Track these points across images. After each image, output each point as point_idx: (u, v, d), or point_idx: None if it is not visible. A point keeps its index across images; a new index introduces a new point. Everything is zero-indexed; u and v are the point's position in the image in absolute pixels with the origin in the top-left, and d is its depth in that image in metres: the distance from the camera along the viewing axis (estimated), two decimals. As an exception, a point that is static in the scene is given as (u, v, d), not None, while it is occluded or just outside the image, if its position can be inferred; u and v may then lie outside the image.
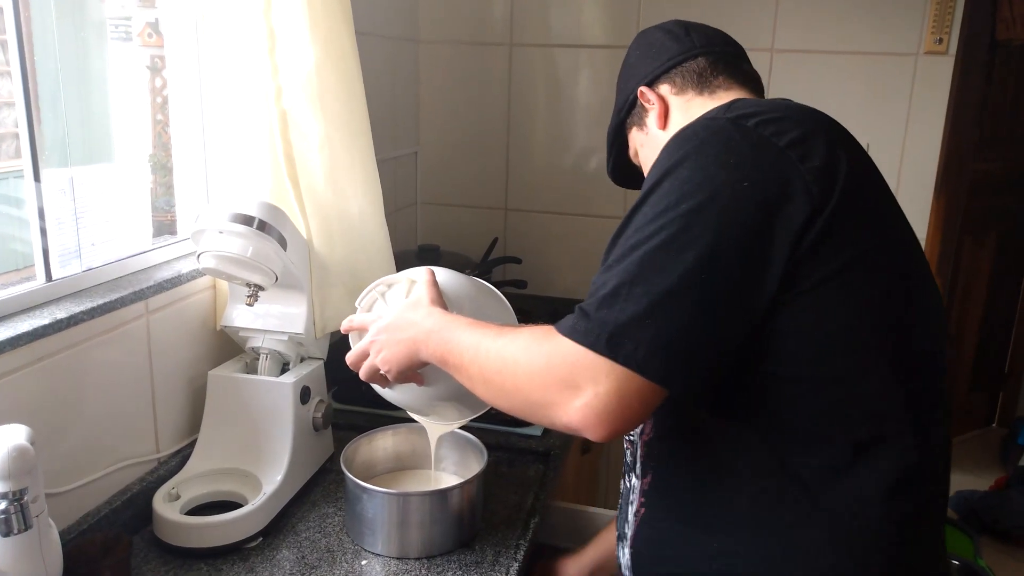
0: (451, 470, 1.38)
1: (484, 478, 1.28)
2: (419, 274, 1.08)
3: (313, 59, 1.34)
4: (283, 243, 1.26)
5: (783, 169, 0.80)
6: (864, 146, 0.92)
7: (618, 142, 1.18)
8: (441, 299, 1.04)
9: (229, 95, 1.38)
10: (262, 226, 1.23)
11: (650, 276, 0.77)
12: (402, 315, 1.01)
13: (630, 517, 1.02)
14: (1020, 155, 3.35)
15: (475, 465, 1.30)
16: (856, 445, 0.84)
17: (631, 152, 1.17)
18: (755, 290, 0.79)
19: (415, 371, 1.03)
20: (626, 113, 1.13)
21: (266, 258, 1.24)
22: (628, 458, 1.06)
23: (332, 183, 1.42)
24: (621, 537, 1.05)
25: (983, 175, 3.09)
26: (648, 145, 1.10)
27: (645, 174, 1.11)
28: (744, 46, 2.09)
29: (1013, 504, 2.95)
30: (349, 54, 1.42)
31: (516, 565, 1.18)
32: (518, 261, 2.18)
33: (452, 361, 0.93)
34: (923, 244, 2.04)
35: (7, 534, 0.85)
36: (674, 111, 1.06)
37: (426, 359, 0.98)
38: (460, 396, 1.08)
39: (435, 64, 2.31)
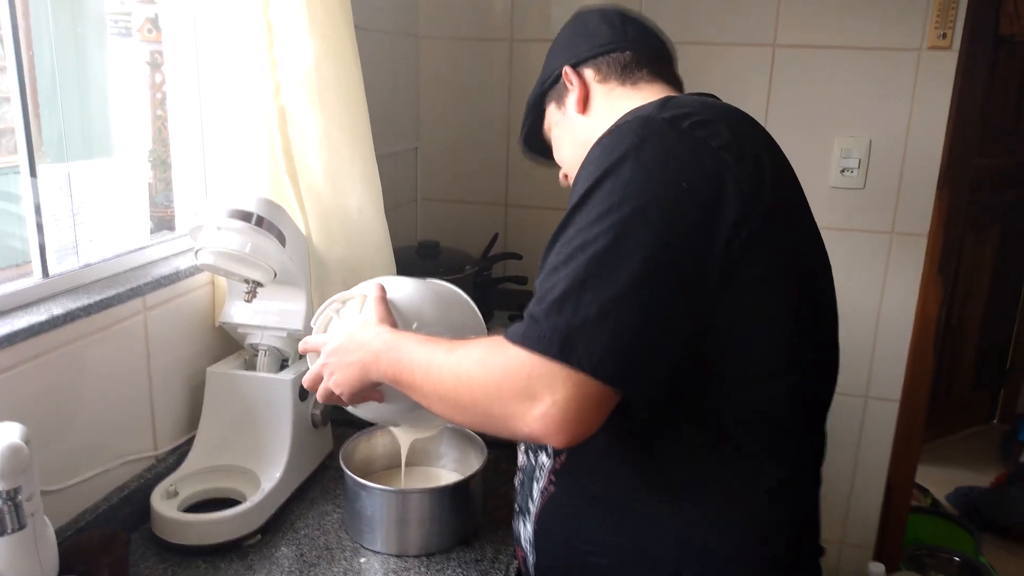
0: (451, 467, 1.38)
1: (484, 475, 1.27)
2: (371, 290, 1.06)
3: (312, 55, 1.33)
4: (282, 239, 1.25)
5: (718, 171, 0.82)
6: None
7: (534, 112, 1.18)
8: (390, 316, 1.02)
9: (228, 91, 1.37)
10: (260, 222, 1.22)
11: (599, 280, 0.77)
12: (351, 337, 1.00)
13: (535, 494, 1.03)
14: (1022, 150, 3.34)
15: (475, 462, 1.29)
16: (766, 438, 0.91)
17: (545, 126, 1.17)
18: (700, 287, 0.81)
19: (371, 391, 1.02)
20: (549, 87, 1.13)
21: (264, 254, 1.23)
22: None
23: (331, 179, 1.41)
24: (523, 512, 1.07)
25: (986, 170, 3.08)
26: (562, 125, 1.11)
27: (554, 152, 1.16)
28: (746, 41, 2.08)
29: (1014, 501, 2.94)
30: (348, 49, 1.41)
31: (515, 562, 1.18)
32: (519, 257, 2.18)
33: (405, 380, 0.92)
34: (926, 240, 2.04)
35: (1, 533, 0.84)
36: (596, 97, 1.07)
37: (377, 380, 0.97)
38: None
39: (435, 59, 2.30)
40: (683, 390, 0.87)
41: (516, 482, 1.11)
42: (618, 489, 0.95)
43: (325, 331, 1.10)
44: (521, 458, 1.11)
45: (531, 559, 1.05)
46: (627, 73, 1.05)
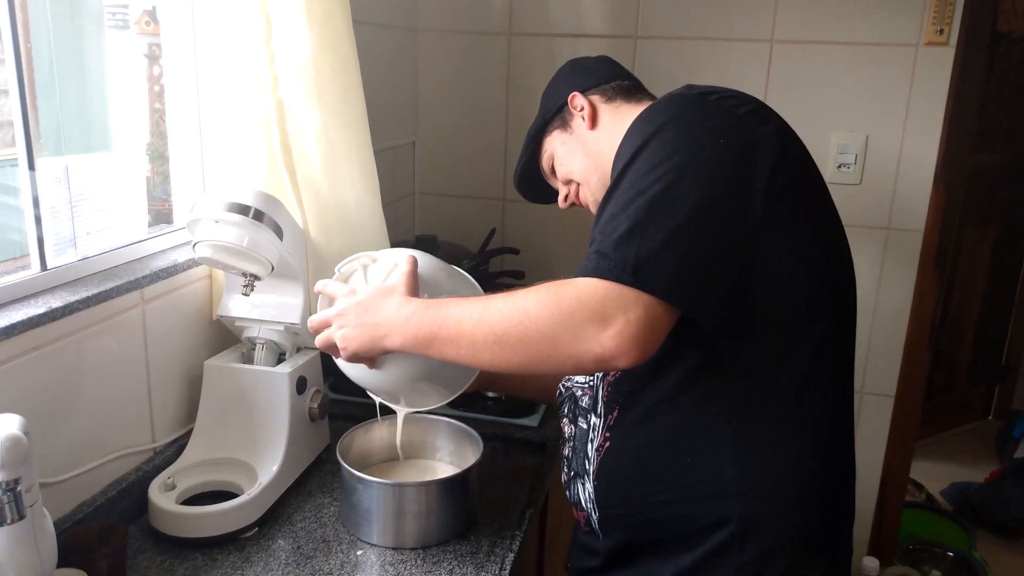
0: (447, 460, 1.38)
1: (480, 469, 1.28)
2: (402, 260, 1.08)
3: (310, 48, 1.33)
4: (279, 233, 1.25)
5: (747, 130, 0.94)
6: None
7: (531, 148, 1.29)
8: (418, 292, 1.05)
9: (225, 84, 1.37)
10: (258, 216, 1.22)
11: (660, 216, 0.87)
12: (373, 299, 1.03)
13: (591, 454, 1.10)
14: (1020, 147, 3.35)
15: (471, 456, 1.30)
16: (809, 374, 0.97)
17: (544, 157, 1.28)
18: (746, 224, 0.91)
19: (371, 357, 1.04)
20: (551, 117, 1.25)
21: (262, 248, 1.23)
22: (584, 403, 1.13)
23: (329, 173, 1.41)
24: (580, 475, 1.12)
25: (983, 167, 3.09)
26: (571, 142, 1.23)
27: (559, 168, 1.26)
28: (743, 37, 2.09)
29: (1008, 496, 2.96)
30: (346, 43, 1.41)
31: (511, 555, 1.19)
32: (516, 252, 2.18)
33: (445, 335, 0.94)
34: (922, 235, 2.05)
35: (1, 524, 0.85)
36: (603, 114, 1.20)
37: (394, 347, 1.00)
38: (423, 379, 1.12)
39: (433, 53, 2.30)
40: (729, 328, 0.94)
41: (567, 452, 1.16)
42: (672, 428, 1.00)
43: (346, 282, 1.12)
44: (568, 429, 1.16)
45: (595, 516, 1.10)
46: (631, 94, 1.20)
